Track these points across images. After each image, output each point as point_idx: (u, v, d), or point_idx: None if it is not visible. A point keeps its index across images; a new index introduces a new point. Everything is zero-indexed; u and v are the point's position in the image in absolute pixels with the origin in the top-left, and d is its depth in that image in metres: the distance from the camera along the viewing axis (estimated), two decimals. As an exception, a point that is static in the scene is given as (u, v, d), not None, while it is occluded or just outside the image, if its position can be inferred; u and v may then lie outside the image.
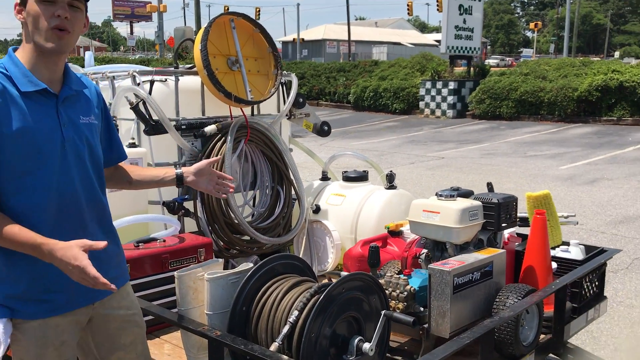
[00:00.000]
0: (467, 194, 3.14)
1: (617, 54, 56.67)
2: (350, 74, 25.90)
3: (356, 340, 2.22)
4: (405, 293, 2.56)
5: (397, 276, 2.62)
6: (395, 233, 3.51)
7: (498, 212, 2.94)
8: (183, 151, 3.60)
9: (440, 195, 2.88)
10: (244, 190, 3.87)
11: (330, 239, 3.92)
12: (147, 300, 2.77)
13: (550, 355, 2.95)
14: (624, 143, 13.70)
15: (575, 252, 3.43)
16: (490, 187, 3.74)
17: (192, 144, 3.62)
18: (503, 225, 2.98)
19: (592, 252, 3.43)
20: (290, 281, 2.41)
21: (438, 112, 20.49)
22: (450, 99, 20.16)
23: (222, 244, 3.64)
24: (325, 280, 3.25)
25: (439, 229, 2.81)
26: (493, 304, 2.70)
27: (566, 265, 3.26)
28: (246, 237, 3.67)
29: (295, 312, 2.19)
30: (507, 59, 56.47)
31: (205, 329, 2.32)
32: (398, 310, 2.56)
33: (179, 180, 2.39)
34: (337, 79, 26.00)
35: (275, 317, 2.30)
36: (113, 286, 1.80)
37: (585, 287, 3.22)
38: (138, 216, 3.28)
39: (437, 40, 50.48)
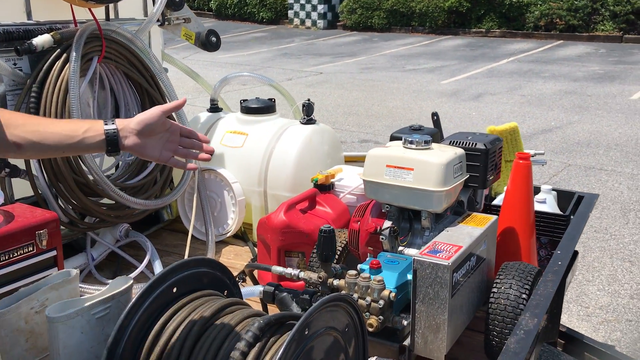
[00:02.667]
0: (434, 135, 2.25)
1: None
2: (210, -21, 23.61)
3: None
4: (382, 302, 1.65)
5: (366, 275, 1.69)
6: (326, 187, 2.57)
7: (485, 162, 2.08)
8: (0, 77, 2.32)
9: (410, 142, 1.95)
10: (103, 132, 2.68)
11: (230, 194, 2.90)
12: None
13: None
14: (497, 56, 13.62)
15: (550, 202, 2.72)
16: (436, 119, 2.89)
17: (14, 64, 2.34)
18: (489, 179, 2.14)
19: (568, 200, 2.76)
20: (209, 307, 1.39)
21: (308, 23, 19.32)
22: (320, 8, 19.01)
23: (72, 212, 2.49)
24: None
25: (413, 194, 1.90)
26: (490, 293, 1.90)
27: (546, 221, 2.55)
28: (109, 200, 2.54)
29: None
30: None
31: (54, 412, 1.27)
32: (371, 328, 1.66)
33: (112, 144, 1.40)
34: (196, -16, 23.61)
35: (183, 383, 1.30)
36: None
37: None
38: None
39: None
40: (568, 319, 3.36)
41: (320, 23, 19.10)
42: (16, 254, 2.01)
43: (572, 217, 2.58)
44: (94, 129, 1.39)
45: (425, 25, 17.58)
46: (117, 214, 2.60)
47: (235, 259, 2.82)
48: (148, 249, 2.64)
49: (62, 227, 2.55)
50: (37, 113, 2.29)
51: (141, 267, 2.58)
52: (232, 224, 2.92)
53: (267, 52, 14.66)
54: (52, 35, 2.34)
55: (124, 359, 1.32)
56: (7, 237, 2.00)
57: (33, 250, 2.06)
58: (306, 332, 1.24)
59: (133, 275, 2.56)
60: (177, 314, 1.39)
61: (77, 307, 1.33)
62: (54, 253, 2.14)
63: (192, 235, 3.01)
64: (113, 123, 1.42)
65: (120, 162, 2.75)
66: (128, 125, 1.42)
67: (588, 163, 6.22)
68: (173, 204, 3.15)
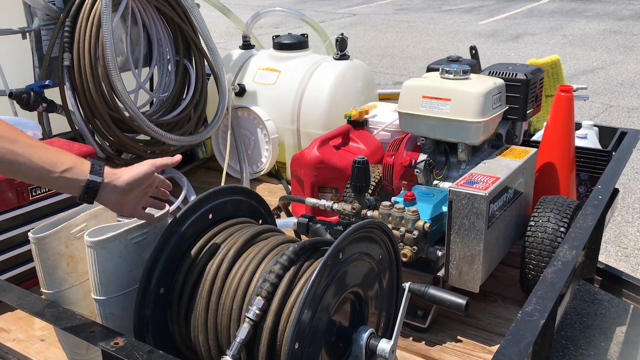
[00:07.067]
0: (473, 67, 2.18)
1: None
2: None
3: (365, 336, 1.31)
4: (416, 233, 1.64)
5: (400, 206, 1.68)
6: (359, 123, 2.54)
7: (525, 93, 2.01)
8: (33, 10, 2.31)
9: (448, 72, 1.90)
10: (136, 68, 2.68)
11: (263, 132, 2.89)
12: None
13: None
14: (538, -6, 13.09)
15: (591, 137, 2.65)
16: (474, 52, 2.81)
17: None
18: (529, 111, 2.07)
19: (610, 136, 2.67)
20: (245, 233, 1.41)
21: (341, -37, 18.81)
22: (353, -53, 18.46)
23: (109, 148, 2.52)
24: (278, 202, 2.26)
25: (450, 125, 1.85)
26: (526, 227, 1.86)
27: (586, 156, 2.48)
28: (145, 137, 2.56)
29: (258, 301, 1.23)
30: None
31: (96, 331, 1.30)
32: (404, 258, 1.66)
33: (89, 194, 1.24)
34: None
35: (222, 304, 1.32)
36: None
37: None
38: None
39: None
40: (606, 259, 3.31)
41: (354, -37, 18.54)
42: (56, 187, 2.04)
43: (614, 153, 2.51)
44: (76, 171, 1.21)
45: (463, -36, 16.90)
46: (153, 149, 2.63)
47: (269, 195, 2.84)
48: (184, 184, 2.67)
49: (99, 163, 2.61)
50: (71, 48, 2.29)
51: (177, 202, 2.62)
52: (266, 162, 2.92)
53: (300, -7, 14.38)
54: (83, -31, 2.31)
55: (162, 282, 1.35)
56: (46, 170, 2.04)
57: (72, 183, 2.11)
58: (340, 257, 1.24)
59: (171, 208, 2.60)
60: (214, 239, 1.41)
61: (115, 232, 1.35)
62: (92, 186, 2.18)
63: (227, 173, 3.04)
64: (100, 172, 1.24)
65: (155, 99, 2.76)
66: (114, 183, 1.26)
67: (631, 104, 6.00)
68: (207, 143, 3.17)
